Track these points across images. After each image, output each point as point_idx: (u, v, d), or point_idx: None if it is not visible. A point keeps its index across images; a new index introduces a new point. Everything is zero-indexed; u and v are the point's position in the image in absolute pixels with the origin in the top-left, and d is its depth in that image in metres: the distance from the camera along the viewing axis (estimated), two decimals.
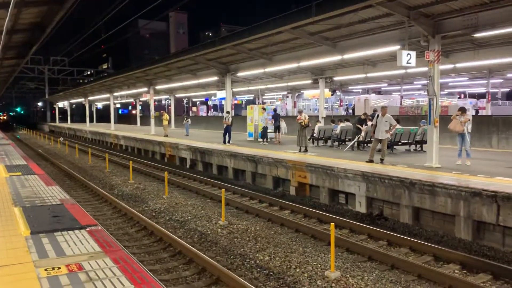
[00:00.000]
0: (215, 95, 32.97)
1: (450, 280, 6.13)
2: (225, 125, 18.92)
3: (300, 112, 15.77)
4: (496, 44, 13.61)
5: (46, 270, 4.07)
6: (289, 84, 26.97)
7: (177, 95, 38.70)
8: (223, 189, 10.19)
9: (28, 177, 9.97)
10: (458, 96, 39.82)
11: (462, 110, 11.33)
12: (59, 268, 4.12)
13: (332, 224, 6.52)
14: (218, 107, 59.13)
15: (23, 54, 19.84)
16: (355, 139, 15.81)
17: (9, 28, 12.25)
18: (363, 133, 15.64)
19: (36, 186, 8.76)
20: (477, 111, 28.49)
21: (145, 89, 29.67)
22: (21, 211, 6.41)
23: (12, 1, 8.63)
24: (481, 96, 37.09)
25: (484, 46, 13.97)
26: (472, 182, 8.56)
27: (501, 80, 31.22)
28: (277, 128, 19.57)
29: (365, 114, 17.09)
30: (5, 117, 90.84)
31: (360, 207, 10.40)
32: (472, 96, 40.21)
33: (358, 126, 15.99)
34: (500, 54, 14.31)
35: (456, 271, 6.70)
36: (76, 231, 5.40)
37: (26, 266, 4.19)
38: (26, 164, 12.48)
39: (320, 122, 19.19)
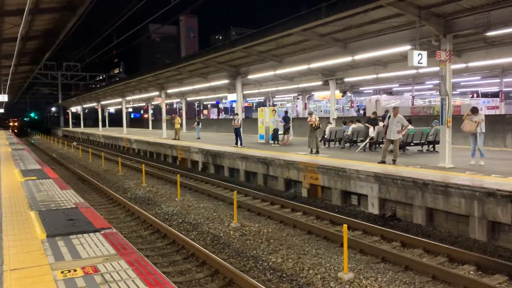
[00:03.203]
0: (226, 98, 33.14)
1: (465, 281, 6.07)
2: (234, 128, 18.98)
3: (310, 113, 15.76)
4: (509, 42, 13.45)
5: (62, 272, 4.13)
6: (300, 86, 26.95)
7: (188, 99, 38.92)
8: (235, 192, 10.23)
9: (43, 181, 10.11)
10: (471, 96, 39.35)
11: (474, 110, 11.21)
12: (75, 270, 4.18)
13: (345, 225, 6.51)
14: (229, 110, 59.29)
15: (37, 60, 20.21)
16: (367, 140, 15.74)
17: (23, 34, 12.49)
18: (370, 130, 15.56)
19: (51, 190, 8.88)
20: None
21: (157, 93, 29.92)
22: (36, 215, 6.51)
23: (26, 8, 8.80)
24: (494, 95, 36.61)
25: (496, 44, 13.82)
26: (486, 182, 8.47)
27: None
28: (286, 130, 19.55)
29: (374, 113, 17.02)
30: (16, 123, 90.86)
31: (373, 208, 10.35)
32: (485, 95, 39.70)
33: (367, 125, 15.96)
34: None
35: (471, 272, 6.63)
36: (91, 234, 5.47)
37: (43, 268, 4.26)
38: (41, 169, 12.66)
39: (331, 123, 19.14)
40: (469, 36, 12.39)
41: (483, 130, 11.06)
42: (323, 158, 13.47)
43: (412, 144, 14.89)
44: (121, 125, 40.88)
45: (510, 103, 33.10)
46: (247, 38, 15.12)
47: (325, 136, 18.02)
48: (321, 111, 41.68)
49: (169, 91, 29.43)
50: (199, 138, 25.23)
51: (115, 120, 61.36)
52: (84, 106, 57.30)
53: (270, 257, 7.32)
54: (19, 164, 13.81)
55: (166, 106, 31.08)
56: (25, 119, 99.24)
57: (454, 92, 31.97)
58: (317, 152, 14.82)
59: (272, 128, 19.94)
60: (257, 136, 22.39)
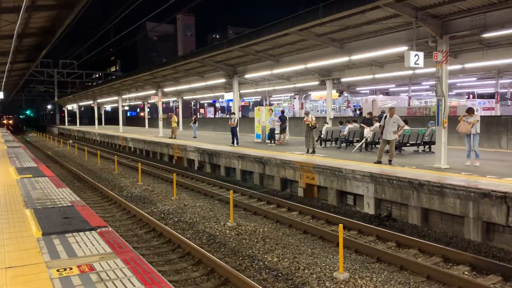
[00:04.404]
0: (222, 97, 33.08)
1: (460, 282, 6.10)
2: (230, 127, 18.99)
3: (307, 113, 15.78)
4: (505, 44, 13.52)
5: (58, 270, 4.13)
6: (297, 85, 26.97)
7: (184, 97, 38.85)
8: (231, 191, 10.23)
9: (38, 179, 10.09)
10: (467, 97, 39.51)
11: (470, 111, 11.26)
12: (71, 268, 4.18)
13: (341, 225, 6.52)
14: (226, 109, 59.26)
15: (33, 57, 20.12)
16: (363, 141, 15.78)
17: (19, 32, 12.44)
18: (366, 130, 15.63)
19: (47, 188, 8.86)
20: None
21: (153, 91, 29.83)
22: (32, 213, 6.50)
23: (23, 6, 8.77)
24: (490, 96, 36.79)
25: (493, 46, 13.89)
26: (481, 183, 8.51)
27: (510, 80, 30.93)
28: (283, 130, 19.58)
29: (369, 113, 17.09)
30: (10, 121, 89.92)
31: (369, 208, 10.39)
32: (481, 96, 39.88)
33: (362, 125, 16.03)
34: (509, 54, 14.19)
35: (466, 272, 6.67)
36: (87, 233, 5.46)
37: (38, 266, 4.26)
38: (37, 166, 12.62)
39: (327, 123, 19.17)
40: (465, 37, 12.44)
41: (478, 131, 11.11)
42: (319, 158, 13.50)
43: (408, 144, 14.94)
44: (117, 123, 40.78)
45: (505, 105, 33.29)
46: (244, 37, 15.12)
47: (322, 136, 18.06)
48: (318, 111, 41.73)
49: (165, 89, 29.37)
50: (195, 137, 25.20)
51: (111, 118, 61.18)
52: (80, 104, 57.12)
53: (266, 256, 7.34)
54: (14, 162, 13.76)
55: (162, 104, 31.00)
56: (20, 116, 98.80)
57: (450, 93, 32.05)
58: (314, 151, 14.84)
59: (269, 127, 19.94)
60: (254, 135, 22.40)
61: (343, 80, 21.01)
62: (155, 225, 9.16)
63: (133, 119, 65.60)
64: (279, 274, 6.54)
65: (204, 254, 7.07)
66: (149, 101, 40.67)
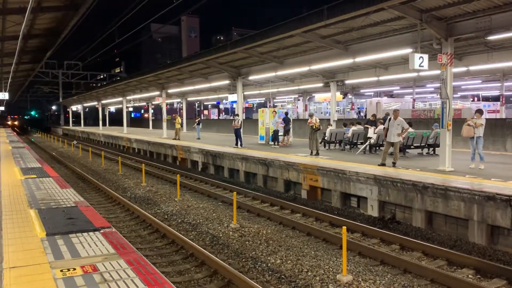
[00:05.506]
0: (226, 98, 33.10)
1: (464, 285, 6.07)
2: (234, 128, 19.00)
3: (311, 115, 15.78)
4: (510, 46, 13.44)
5: (61, 271, 4.14)
6: (301, 87, 26.97)
7: (189, 99, 38.91)
8: (235, 192, 10.23)
9: (43, 179, 10.12)
10: (472, 99, 39.39)
11: (479, 112, 11.19)
12: (74, 269, 4.19)
13: (344, 227, 6.51)
14: (230, 111, 59.31)
15: (38, 58, 20.24)
16: (367, 143, 15.75)
17: (25, 33, 12.50)
18: (370, 130, 15.58)
19: (51, 188, 8.89)
20: None
21: (158, 92, 29.92)
22: (36, 213, 6.52)
23: (29, 7, 8.81)
24: (495, 99, 36.66)
25: (498, 48, 13.82)
26: (485, 186, 8.47)
27: None
28: (287, 132, 19.57)
29: (373, 115, 17.03)
30: (15, 122, 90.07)
31: (372, 210, 10.35)
32: (486, 99, 39.74)
33: (366, 126, 16.00)
34: None
35: (470, 275, 6.63)
36: (91, 233, 5.47)
37: (42, 267, 4.27)
38: (41, 167, 12.67)
39: (331, 125, 19.15)
40: (470, 39, 12.39)
41: (481, 134, 11.02)
42: (323, 160, 13.47)
43: (412, 147, 14.87)
44: (122, 124, 40.88)
45: (510, 107, 33.16)
46: (248, 39, 15.12)
47: (325, 138, 18.03)
48: (322, 112, 41.71)
49: (170, 91, 29.44)
50: (199, 138, 25.23)
51: (115, 119, 61.38)
52: (85, 105, 57.35)
53: (269, 258, 7.33)
54: (19, 162, 13.82)
55: (166, 106, 31.06)
56: (25, 117, 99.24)
57: (454, 96, 32.01)
58: (317, 153, 14.82)
59: (272, 129, 19.94)
60: (257, 137, 22.39)
61: (347, 82, 20.96)
62: (158, 226, 9.17)
63: (137, 120, 65.70)
64: (282, 276, 6.53)
65: (207, 255, 7.07)
66: (153, 102, 40.73)
